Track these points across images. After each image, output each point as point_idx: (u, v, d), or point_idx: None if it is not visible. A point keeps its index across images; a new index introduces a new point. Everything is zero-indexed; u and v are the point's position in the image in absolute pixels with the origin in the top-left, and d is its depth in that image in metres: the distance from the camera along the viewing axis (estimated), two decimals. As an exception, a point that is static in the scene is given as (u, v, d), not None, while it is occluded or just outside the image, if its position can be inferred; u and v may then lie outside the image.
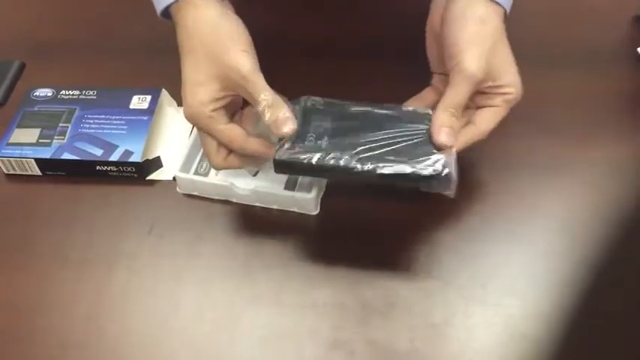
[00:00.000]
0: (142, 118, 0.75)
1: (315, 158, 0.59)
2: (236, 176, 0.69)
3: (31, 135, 0.74)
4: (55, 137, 0.73)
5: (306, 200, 0.67)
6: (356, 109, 0.63)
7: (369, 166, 0.59)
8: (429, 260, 0.65)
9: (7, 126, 0.75)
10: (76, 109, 0.76)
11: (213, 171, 0.71)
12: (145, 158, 0.72)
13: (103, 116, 0.75)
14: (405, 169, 0.58)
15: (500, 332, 0.60)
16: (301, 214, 0.69)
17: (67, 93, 0.78)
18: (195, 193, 0.71)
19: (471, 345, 0.60)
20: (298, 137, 0.60)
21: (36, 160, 0.72)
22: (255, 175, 0.69)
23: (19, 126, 0.75)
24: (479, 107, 0.62)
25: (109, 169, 0.72)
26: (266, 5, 0.87)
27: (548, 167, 0.70)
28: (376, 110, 0.63)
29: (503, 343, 0.59)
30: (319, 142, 0.60)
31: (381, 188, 0.62)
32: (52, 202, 0.72)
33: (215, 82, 0.59)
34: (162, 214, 0.70)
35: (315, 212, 0.69)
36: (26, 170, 0.73)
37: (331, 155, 0.59)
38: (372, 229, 0.68)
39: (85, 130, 0.74)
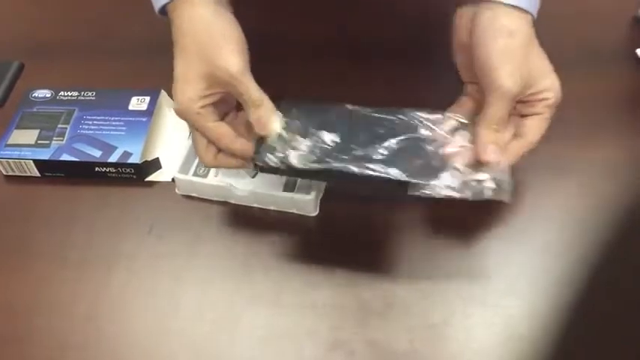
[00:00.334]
0: (141, 119, 0.75)
1: (294, 159, 0.59)
2: (235, 177, 0.69)
3: (29, 136, 0.74)
4: (54, 138, 0.73)
5: (305, 202, 0.67)
6: (341, 112, 0.63)
7: (349, 169, 0.59)
8: (428, 261, 0.65)
9: (6, 127, 0.75)
10: (74, 110, 0.76)
11: (212, 172, 0.71)
12: (143, 159, 0.72)
13: (101, 117, 0.75)
14: (391, 172, 0.58)
15: (499, 332, 0.60)
16: (300, 215, 0.69)
17: (66, 94, 0.78)
18: (194, 194, 0.71)
19: (470, 345, 0.60)
20: (280, 138, 0.61)
21: (35, 161, 0.72)
22: (254, 176, 0.69)
23: (18, 127, 0.75)
24: (522, 115, 0.62)
25: (107, 170, 0.72)
26: (266, 5, 0.87)
27: (547, 167, 0.70)
28: (362, 113, 0.63)
29: (502, 344, 0.59)
30: (301, 143, 0.60)
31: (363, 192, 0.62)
32: (51, 203, 0.72)
33: (204, 80, 0.60)
34: (162, 215, 0.70)
35: (314, 214, 0.68)
36: (25, 171, 0.73)
37: (311, 157, 0.59)
38: (371, 230, 0.68)
39: (84, 132, 0.74)
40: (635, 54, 0.80)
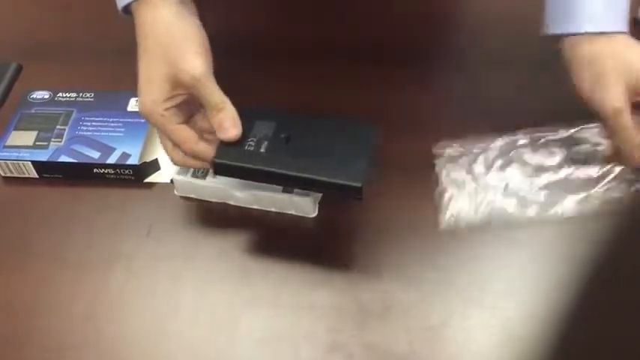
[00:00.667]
0: (140, 120, 0.74)
1: (251, 163, 0.60)
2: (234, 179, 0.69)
3: (28, 137, 0.74)
4: (53, 140, 0.73)
5: (304, 203, 0.67)
6: (300, 118, 0.64)
7: (303, 174, 0.60)
8: (427, 263, 0.65)
9: (4, 128, 0.75)
10: (73, 111, 0.76)
11: (210, 173, 0.71)
12: (142, 161, 0.72)
13: (100, 119, 0.75)
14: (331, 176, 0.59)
15: (497, 334, 0.60)
16: (299, 216, 0.69)
17: (65, 95, 0.78)
18: (192, 196, 0.71)
19: (468, 347, 0.60)
20: (240, 142, 0.61)
21: (33, 162, 0.72)
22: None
23: (16, 128, 0.75)
24: None
25: (106, 171, 0.72)
26: (266, 5, 0.87)
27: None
28: (321, 121, 0.64)
29: (501, 345, 0.60)
30: (259, 147, 0.61)
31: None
32: (49, 204, 0.72)
33: (167, 82, 0.60)
34: (160, 217, 0.70)
35: (313, 215, 0.69)
36: (23, 173, 0.73)
37: (267, 161, 0.60)
38: (369, 232, 0.68)
39: (83, 133, 0.74)
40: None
